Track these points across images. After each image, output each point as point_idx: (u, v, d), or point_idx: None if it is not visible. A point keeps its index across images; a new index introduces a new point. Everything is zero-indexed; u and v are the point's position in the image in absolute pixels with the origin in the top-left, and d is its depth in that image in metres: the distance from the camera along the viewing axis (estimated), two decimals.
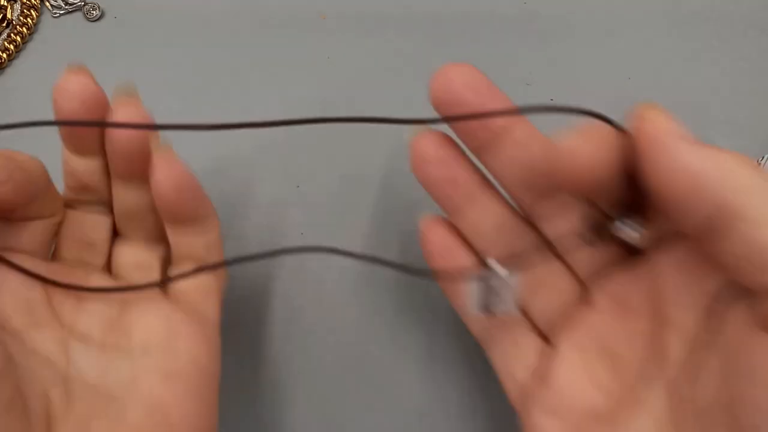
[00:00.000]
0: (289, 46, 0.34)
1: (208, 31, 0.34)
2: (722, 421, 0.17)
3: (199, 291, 0.22)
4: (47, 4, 0.35)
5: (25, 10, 0.34)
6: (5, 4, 0.34)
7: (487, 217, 0.22)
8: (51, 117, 0.20)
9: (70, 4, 0.34)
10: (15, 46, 0.33)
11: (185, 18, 0.34)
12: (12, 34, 0.33)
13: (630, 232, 0.19)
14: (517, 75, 0.33)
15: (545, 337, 0.21)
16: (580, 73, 0.33)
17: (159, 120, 0.20)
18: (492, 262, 0.20)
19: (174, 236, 0.22)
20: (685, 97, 0.33)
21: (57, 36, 0.34)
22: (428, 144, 0.22)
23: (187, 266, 0.22)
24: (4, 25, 0.34)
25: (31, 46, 0.34)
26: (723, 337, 0.17)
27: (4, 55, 0.33)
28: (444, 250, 0.22)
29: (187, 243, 0.22)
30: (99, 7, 0.34)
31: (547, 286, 0.21)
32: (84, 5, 0.34)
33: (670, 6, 0.35)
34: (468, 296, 0.20)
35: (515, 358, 0.21)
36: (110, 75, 0.33)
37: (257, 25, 0.34)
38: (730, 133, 0.32)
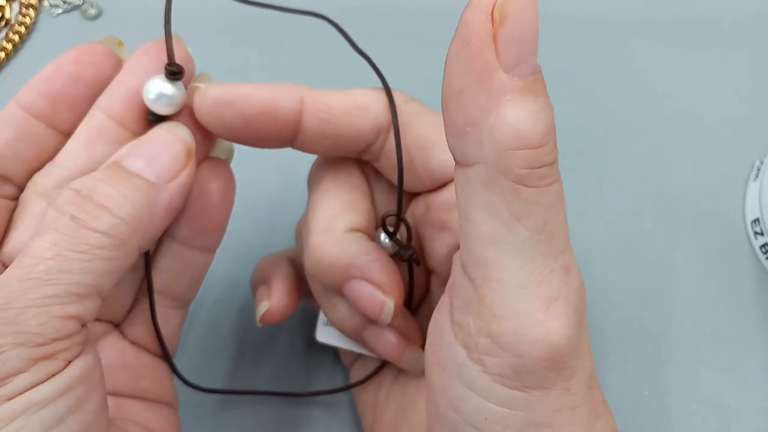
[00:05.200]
0: (291, 46, 0.34)
1: (207, 30, 0.34)
2: None
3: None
4: (45, 3, 0.34)
5: (23, 9, 0.34)
6: (3, 3, 0.34)
7: None
8: None
9: (68, 3, 0.34)
10: (13, 45, 0.33)
11: (183, 16, 0.34)
12: (10, 33, 0.33)
13: (386, 243, 0.21)
14: None
15: None
16: (585, 73, 0.33)
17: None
18: None
19: (169, 254, 0.20)
20: (686, 97, 0.33)
21: (55, 35, 0.34)
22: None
23: (162, 302, 0.21)
24: (3, 24, 0.34)
25: (29, 45, 0.34)
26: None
27: (2, 55, 0.33)
28: None
29: (180, 264, 0.20)
30: (97, 6, 0.34)
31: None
32: (82, 4, 0.34)
33: (673, 10, 0.35)
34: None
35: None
36: None
37: (257, 24, 0.34)
38: (730, 133, 0.31)
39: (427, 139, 0.19)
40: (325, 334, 0.23)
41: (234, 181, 0.20)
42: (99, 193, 0.16)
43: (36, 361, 0.14)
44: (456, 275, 0.16)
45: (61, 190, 0.16)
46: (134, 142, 0.18)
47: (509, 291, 0.14)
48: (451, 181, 0.20)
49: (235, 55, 0.33)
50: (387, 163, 0.20)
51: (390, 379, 0.23)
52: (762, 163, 0.30)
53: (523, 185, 0.14)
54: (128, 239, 0.16)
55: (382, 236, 0.21)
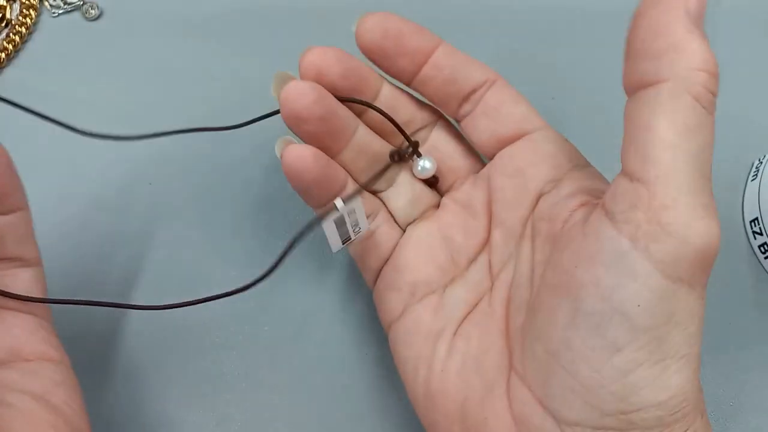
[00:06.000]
0: (292, 46, 0.34)
1: (208, 30, 0.34)
2: (558, 304, 0.19)
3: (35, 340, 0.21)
4: (46, 3, 0.34)
5: (24, 10, 0.34)
6: (4, 3, 0.34)
7: (357, 154, 0.24)
8: (51, 116, 0.20)
9: (69, 4, 0.34)
10: (14, 46, 0.33)
11: (184, 17, 0.34)
12: (11, 34, 0.33)
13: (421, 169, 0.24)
14: (529, 74, 0.32)
15: (401, 227, 0.25)
16: (585, 73, 0.33)
17: (164, 122, 0.20)
18: (336, 201, 0.22)
19: None
20: None
21: (56, 35, 0.34)
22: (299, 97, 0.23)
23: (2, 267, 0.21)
24: (3, 24, 0.34)
25: (29, 45, 0.34)
26: (550, 229, 0.21)
27: (3, 55, 0.33)
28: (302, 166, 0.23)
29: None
30: (98, 6, 0.34)
31: (407, 191, 0.25)
32: (82, 4, 0.34)
33: None
34: (329, 238, 0.22)
35: (373, 250, 0.25)
36: (109, 74, 0.33)
37: (258, 24, 0.34)
38: (731, 133, 0.32)
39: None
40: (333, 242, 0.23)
41: None
42: None
43: None
44: (619, 188, 0.18)
45: None
46: None
47: (681, 188, 0.17)
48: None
49: (236, 55, 0.33)
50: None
51: (449, 334, 0.23)
52: (761, 162, 0.30)
53: (699, 103, 0.17)
54: None
55: (420, 164, 0.24)
